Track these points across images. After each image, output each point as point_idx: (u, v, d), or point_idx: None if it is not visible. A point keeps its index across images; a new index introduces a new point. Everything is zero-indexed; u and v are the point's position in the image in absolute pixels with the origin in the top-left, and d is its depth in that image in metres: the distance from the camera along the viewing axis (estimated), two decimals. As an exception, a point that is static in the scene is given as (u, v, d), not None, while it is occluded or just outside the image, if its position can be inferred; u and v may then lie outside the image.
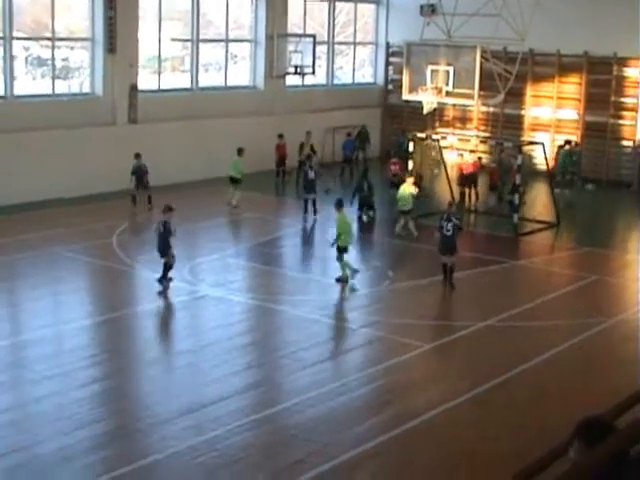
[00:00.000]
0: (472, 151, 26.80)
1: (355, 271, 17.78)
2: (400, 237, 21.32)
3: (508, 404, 12.25)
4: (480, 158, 26.54)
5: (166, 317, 16.00)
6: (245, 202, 23.59)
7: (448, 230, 17.57)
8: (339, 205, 18.02)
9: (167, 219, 16.79)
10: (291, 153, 27.66)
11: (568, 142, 28.60)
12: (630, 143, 29.02)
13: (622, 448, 3.86)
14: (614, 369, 13.87)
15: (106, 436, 10.97)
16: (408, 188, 21.72)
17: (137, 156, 23.31)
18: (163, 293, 16.43)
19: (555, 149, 29.10)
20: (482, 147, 28.78)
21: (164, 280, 16.56)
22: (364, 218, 23.00)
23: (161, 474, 10.05)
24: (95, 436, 10.94)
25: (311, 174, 23.50)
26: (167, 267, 16.63)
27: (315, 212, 22.99)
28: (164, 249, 16.67)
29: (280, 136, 27.70)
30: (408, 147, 24.30)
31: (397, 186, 24.50)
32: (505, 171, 24.91)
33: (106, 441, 10.83)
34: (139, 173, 23.25)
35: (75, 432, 10.93)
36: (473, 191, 25.68)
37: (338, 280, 17.48)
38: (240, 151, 24.31)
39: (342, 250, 17.53)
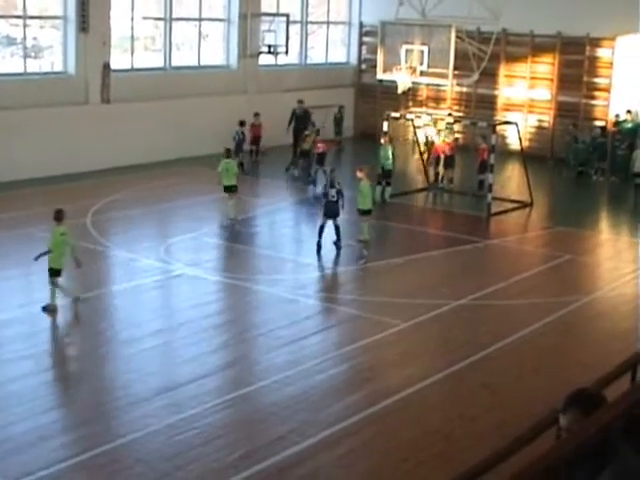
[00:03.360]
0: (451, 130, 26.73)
1: (77, 299, 14.62)
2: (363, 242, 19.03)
3: (485, 382, 12.30)
4: (457, 139, 26.52)
5: (142, 296, 15.91)
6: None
7: (333, 196, 18.30)
8: (58, 217, 14.73)
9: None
10: (266, 132, 27.60)
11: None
12: (602, 123, 29.13)
13: (617, 416, 3.91)
14: (589, 346, 14.02)
15: (83, 415, 10.90)
16: (367, 183, 19.20)
17: None
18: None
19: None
20: (457, 127, 28.72)
21: None
22: (385, 196, 22.86)
23: (140, 452, 10.00)
24: (72, 415, 10.90)
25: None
26: None
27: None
28: None
29: (256, 115, 27.59)
30: None
31: (322, 162, 24.73)
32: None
33: (83, 420, 10.76)
34: None
35: (51, 411, 10.90)
36: (448, 172, 25.69)
37: (45, 309, 14.12)
38: (228, 151, 21.37)
39: (53, 273, 14.42)
